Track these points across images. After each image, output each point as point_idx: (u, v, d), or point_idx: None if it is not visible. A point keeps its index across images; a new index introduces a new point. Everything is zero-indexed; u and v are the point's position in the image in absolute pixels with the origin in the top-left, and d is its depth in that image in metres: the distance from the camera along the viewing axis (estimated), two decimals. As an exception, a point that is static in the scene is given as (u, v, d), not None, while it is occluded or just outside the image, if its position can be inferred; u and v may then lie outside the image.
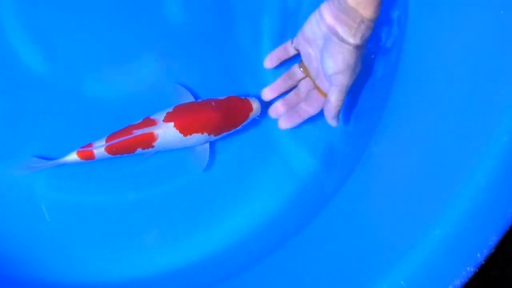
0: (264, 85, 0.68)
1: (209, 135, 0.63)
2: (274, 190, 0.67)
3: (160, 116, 0.63)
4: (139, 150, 0.63)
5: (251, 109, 0.65)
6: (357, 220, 0.58)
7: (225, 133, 0.65)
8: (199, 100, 0.65)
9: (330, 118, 0.62)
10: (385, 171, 0.60)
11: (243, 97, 0.65)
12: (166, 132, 0.62)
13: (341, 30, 0.57)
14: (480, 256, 0.49)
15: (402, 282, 0.49)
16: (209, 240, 0.66)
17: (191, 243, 0.66)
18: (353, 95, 0.68)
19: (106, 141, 0.62)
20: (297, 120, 0.66)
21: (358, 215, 0.59)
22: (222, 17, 0.67)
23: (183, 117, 0.63)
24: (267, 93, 0.67)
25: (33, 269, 0.65)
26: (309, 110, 0.65)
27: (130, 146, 0.62)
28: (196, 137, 0.63)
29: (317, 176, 0.68)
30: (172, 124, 0.62)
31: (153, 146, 0.63)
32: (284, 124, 0.66)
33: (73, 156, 0.63)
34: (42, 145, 0.65)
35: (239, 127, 0.65)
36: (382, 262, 0.51)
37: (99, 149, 0.62)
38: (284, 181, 0.68)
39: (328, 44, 0.58)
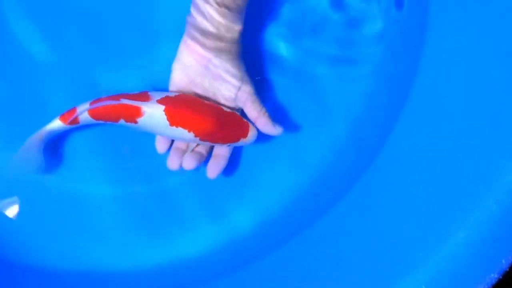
0: (281, 69, 0.65)
1: (195, 136, 0.58)
2: (284, 183, 0.65)
3: (157, 96, 0.59)
4: (122, 121, 0.58)
5: (245, 135, 0.60)
6: (375, 218, 0.56)
7: (210, 143, 0.60)
8: (207, 101, 0.61)
9: (271, 130, 0.59)
10: (408, 167, 0.57)
11: (245, 120, 0.60)
12: (153, 113, 0.57)
13: (209, 42, 0.56)
14: (505, 263, 0.47)
15: (423, 287, 0.47)
16: (218, 232, 0.64)
17: (200, 234, 0.64)
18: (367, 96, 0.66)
19: (90, 104, 0.58)
20: (223, 162, 0.60)
21: (376, 213, 0.56)
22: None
23: (177, 106, 0.58)
24: (171, 163, 0.60)
25: (40, 258, 0.63)
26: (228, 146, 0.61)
27: (113, 113, 0.58)
28: (181, 132, 0.58)
29: (332, 168, 0.65)
30: (163, 107, 0.57)
31: (136, 122, 0.58)
32: (212, 172, 0.59)
33: (56, 122, 0.59)
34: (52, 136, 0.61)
35: (226, 145, 0.60)
36: (402, 264, 0.49)
37: (83, 114, 0.57)
38: (295, 175, 0.65)
39: (211, 74, 0.58)
